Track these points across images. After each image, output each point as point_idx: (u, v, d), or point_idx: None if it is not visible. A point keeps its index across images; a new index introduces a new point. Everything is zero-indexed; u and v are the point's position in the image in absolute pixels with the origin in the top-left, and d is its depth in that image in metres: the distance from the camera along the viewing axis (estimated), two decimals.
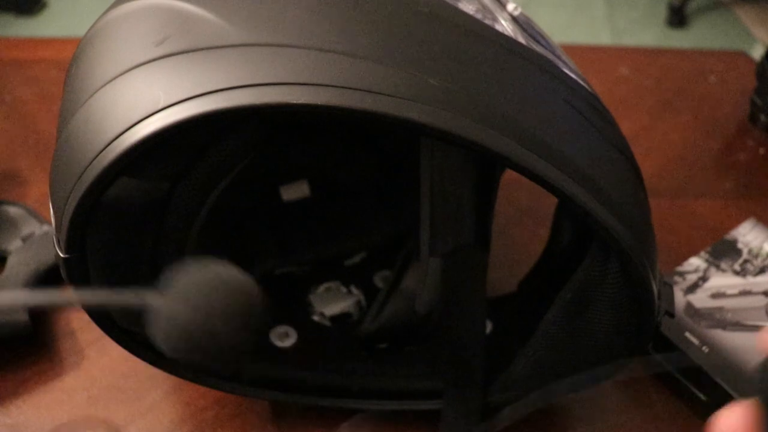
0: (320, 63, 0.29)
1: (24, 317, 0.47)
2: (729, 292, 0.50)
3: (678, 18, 2.13)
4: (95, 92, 0.31)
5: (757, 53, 1.57)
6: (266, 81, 0.29)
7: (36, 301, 0.23)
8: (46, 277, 0.51)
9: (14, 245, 0.53)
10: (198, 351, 0.22)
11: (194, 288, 0.22)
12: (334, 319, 0.50)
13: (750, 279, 0.51)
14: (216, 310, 0.22)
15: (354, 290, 0.52)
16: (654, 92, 0.79)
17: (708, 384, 0.45)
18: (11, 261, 0.52)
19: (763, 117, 0.73)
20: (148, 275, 0.33)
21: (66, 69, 0.35)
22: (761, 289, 0.50)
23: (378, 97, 0.29)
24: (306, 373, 0.44)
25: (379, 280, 0.53)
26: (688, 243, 0.59)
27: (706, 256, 0.53)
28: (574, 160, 0.32)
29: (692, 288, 0.50)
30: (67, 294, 0.24)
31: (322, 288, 0.52)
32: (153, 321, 0.22)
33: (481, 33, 0.33)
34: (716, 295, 0.50)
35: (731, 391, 0.43)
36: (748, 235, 0.55)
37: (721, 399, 0.44)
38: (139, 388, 0.47)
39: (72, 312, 0.51)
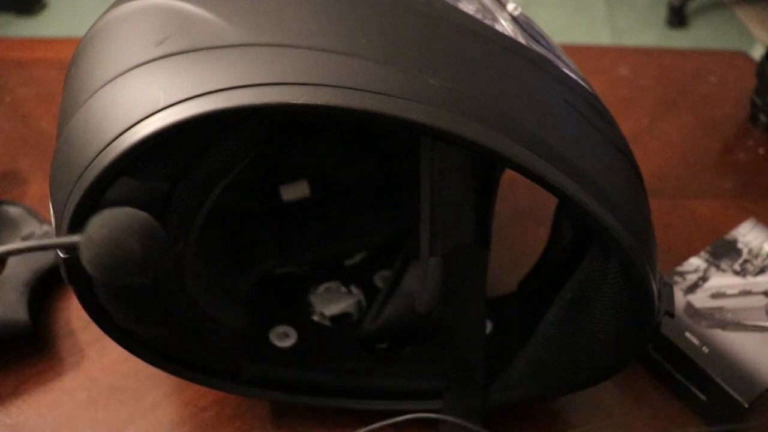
0: (320, 63, 0.29)
1: (24, 317, 0.47)
2: (729, 292, 0.50)
3: (678, 18, 2.13)
4: (95, 92, 0.31)
5: (757, 53, 1.57)
6: (266, 81, 0.29)
7: None
8: (46, 277, 0.51)
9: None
10: (114, 264, 0.27)
11: (105, 218, 0.27)
12: (334, 319, 0.50)
13: (750, 279, 0.51)
14: (124, 229, 0.27)
15: (354, 290, 0.52)
16: (654, 92, 0.79)
17: (708, 384, 0.45)
18: (11, 261, 0.52)
19: (763, 117, 0.73)
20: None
21: (66, 69, 0.35)
22: (761, 289, 0.50)
23: (378, 97, 0.29)
24: (306, 373, 0.44)
25: (379, 280, 0.53)
26: (688, 243, 0.59)
27: (706, 256, 0.53)
28: (574, 160, 0.32)
29: (692, 288, 0.50)
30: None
31: (322, 288, 0.52)
32: (81, 252, 0.27)
33: (481, 33, 0.33)
34: (716, 295, 0.50)
35: (731, 391, 0.43)
36: (748, 235, 0.55)
37: (721, 399, 0.44)
38: (139, 388, 0.47)
39: (72, 312, 0.51)
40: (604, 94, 0.41)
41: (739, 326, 0.47)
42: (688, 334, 0.47)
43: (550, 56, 0.36)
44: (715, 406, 0.45)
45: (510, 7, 0.38)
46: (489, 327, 0.48)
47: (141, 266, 0.27)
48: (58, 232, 0.32)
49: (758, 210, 0.63)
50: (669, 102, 0.77)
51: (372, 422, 0.45)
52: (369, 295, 0.52)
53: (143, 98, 0.29)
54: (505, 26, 0.35)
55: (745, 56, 0.87)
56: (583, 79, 0.37)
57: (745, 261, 0.52)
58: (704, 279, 0.51)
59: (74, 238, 0.27)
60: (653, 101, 0.77)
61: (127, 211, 0.28)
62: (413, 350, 0.46)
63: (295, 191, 0.55)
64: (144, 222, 0.28)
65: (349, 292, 0.52)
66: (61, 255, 0.32)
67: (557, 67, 0.35)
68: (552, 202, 0.40)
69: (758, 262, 0.52)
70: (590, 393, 0.43)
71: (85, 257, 0.27)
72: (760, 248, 0.54)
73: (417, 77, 0.30)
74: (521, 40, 0.35)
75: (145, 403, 0.46)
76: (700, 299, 0.49)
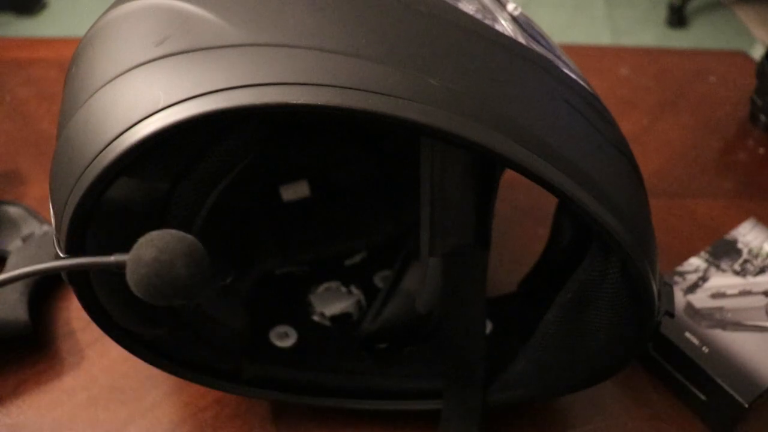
0: (320, 63, 0.29)
1: (24, 317, 0.47)
2: (729, 292, 0.50)
3: (678, 18, 2.14)
4: (95, 92, 0.31)
5: (757, 53, 1.57)
6: (266, 81, 0.29)
7: (16, 275, 0.28)
8: (46, 277, 0.51)
9: (14, 245, 0.53)
10: (161, 286, 0.27)
11: (153, 239, 0.28)
12: (334, 319, 0.50)
13: (750, 279, 0.51)
14: (173, 251, 0.27)
15: (354, 290, 0.52)
16: (654, 92, 0.79)
17: (708, 384, 0.45)
18: (11, 261, 0.52)
19: (763, 117, 0.73)
20: None
21: (66, 69, 0.35)
22: (761, 289, 0.50)
23: (378, 97, 0.29)
24: (306, 373, 0.44)
25: (379, 280, 0.53)
26: (688, 243, 0.59)
27: (706, 256, 0.53)
28: (574, 160, 0.32)
29: (692, 288, 0.50)
30: (47, 263, 0.29)
31: (322, 288, 0.52)
32: (127, 271, 0.28)
33: (481, 33, 0.33)
34: (716, 295, 0.50)
35: (731, 391, 0.43)
36: (748, 235, 0.55)
37: (721, 399, 0.44)
38: (139, 388, 0.47)
39: (72, 312, 0.51)
40: (604, 94, 0.41)
41: (739, 326, 0.47)
42: (688, 334, 0.47)
43: (550, 56, 0.36)
44: (715, 406, 0.45)
45: (510, 7, 0.38)
46: (489, 327, 0.48)
47: (187, 290, 0.28)
48: (58, 232, 0.32)
49: (758, 210, 0.63)
50: (669, 102, 0.78)
51: (372, 422, 0.45)
52: (369, 295, 0.52)
53: (143, 98, 0.29)
54: (505, 26, 0.35)
55: (745, 56, 0.87)
56: (583, 79, 0.37)
57: (745, 261, 0.52)
58: (704, 279, 0.51)
59: (122, 258, 0.28)
60: (653, 101, 0.78)
61: (175, 233, 0.28)
62: (413, 350, 0.46)
63: (295, 191, 0.55)
64: (192, 246, 0.28)
65: (349, 292, 0.52)
66: (61, 255, 0.32)
67: (557, 67, 0.35)
68: (552, 202, 0.40)
69: (758, 262, 0.52)
70: (590, 393, 0.43)
71: (132, 277, 0.27)
72: (760, 248, 0.54)
73: (417, 77, 0.30)
74: (521, 40, 0.35)
75: (145, 403, 0.46)
76: (700, 299, 0.49)
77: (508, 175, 0.44)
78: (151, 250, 0.27)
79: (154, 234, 0.28)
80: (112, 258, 0.28)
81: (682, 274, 0.51)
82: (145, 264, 0.27)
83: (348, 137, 0.56)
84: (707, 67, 0.84)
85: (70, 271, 0.30)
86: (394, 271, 0.49)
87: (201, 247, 0.28)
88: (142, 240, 0.28)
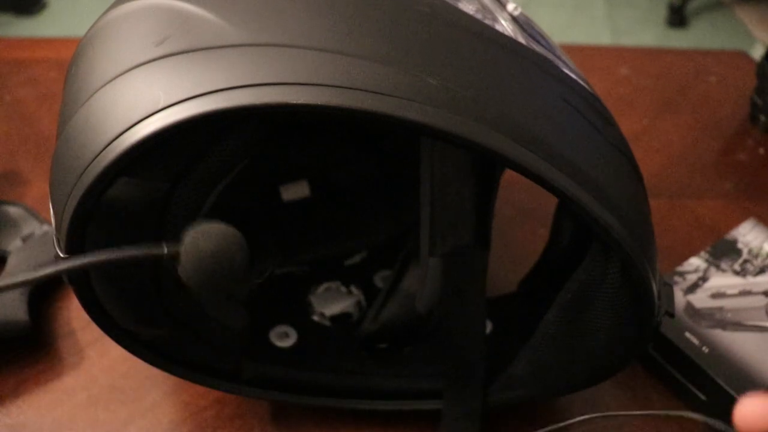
0: (320, 63, 0.29)
1: (24, 317, 0.47)
2: (729, 292, 0.50)
3: (678, 18, 2.14)
4: (95, 92, 0.31)
5: (757, 53, 1.57)
6: (266, 81, 0.29)
7: (56, 269, 0.29)
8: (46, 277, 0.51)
9: (14, 245, 0.53)
10: (222, 275, 0.29)
11: (205, 231, 0.29)
12: (334, 319, 0.50)
13: (750, 279, 0.51)
14: (228, 241, 0.29)
15: (354, 290, 0.52)
16: (654, 92, 0.79)
17: (708, 384, 0.45)
18: (11, 261, 0.52)
19: (763, 117, 0.73)
20: (148, 274, 0.33)
21: (66, 69, 0.35)
22: (761, 289, 0.50)
23: (378, 97, 0.29)
24: (306, 373, 0.44)
25: (379, 280, 0.53)
26: (688, 243, 0.59)
27: (706, 256, 0.53)
28: (574, 160, 0.32)
29: (692, 288, 0.50)
30: (90, 255, 0.29)
31: (322, 288, 0.52)
32: (182, 261, 0.29)
33: (481, 33, 0.33)
34: (716, 295, 0.50)
35: (731, 391, 0.43)
36: (748, 235, 0.55)
37: (721, 399, 0.44)
38: (139, 388, 0.47)
39: (72, 312, 0.51)
40: (604, 94, 0.41)
41: (739, 326, 0.47)
42: (688, 334, 0.47)
43: (550, 56, 0.36)
44: (715, 406, 0.45)
45: (510, 7, 0.38)
46: (489, 327, 0.48)
47: (242, 276, 0.29)
48: (58, 232, 0.32)
49: (758, 210, 0.63)
50: (669, 102, 0.78)
51: (372, 422, 0.45)
52: (369, 295, 0.52)
53: (143, 98, 0.29)
54: (505, 26, 0.35)
55: (745, 56, 0.87)
56: (583, 79, 0.37)
57: (745, 261, 0.53)
58: (704, 279, 0.51)
59: (176, 248, 0.29)
60: (653, 101, 0.78)
61: (219, 225, 0.29)
62: (413, 350, 0.46)
63: (295, 191, 0.55)
64: (237, 236, 0.29)
65: (349, 292, 0.52)
66: (61, 255, 0.32)
67: (557, 67, 0.35)
68: (552, 202, 0.40)
69: (758, 262, 0.52)
70: (590, 393, 0.43)
71: (188, 267, 0.29)
72: (760, 248, 0.54)
73: (417, 77, 0.30)
74: (521, 40, 0.35)
75: (145, 403, 0.46)
76: (700, 299, 0.49)
77: (508, 175, 0.44)
78: (209, 241, 0.28)
79: (205, 226, 0.29)
80: (164, 248, 0.29)
81: (682, 274, 0.51)
82: (206, 254, 0.28)
83: (348, 137, 0.56)
84: (707, 67, 0.84)
85: (114, 264, 0.30)
86: (394, 271, 0.49)
87: (243, 238, 0.30)
88: (193, 232, 0.29)
